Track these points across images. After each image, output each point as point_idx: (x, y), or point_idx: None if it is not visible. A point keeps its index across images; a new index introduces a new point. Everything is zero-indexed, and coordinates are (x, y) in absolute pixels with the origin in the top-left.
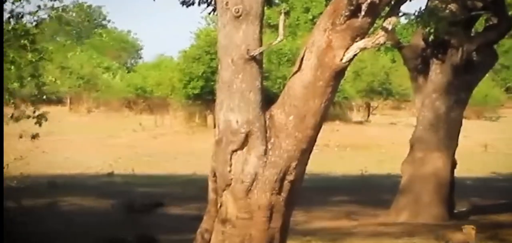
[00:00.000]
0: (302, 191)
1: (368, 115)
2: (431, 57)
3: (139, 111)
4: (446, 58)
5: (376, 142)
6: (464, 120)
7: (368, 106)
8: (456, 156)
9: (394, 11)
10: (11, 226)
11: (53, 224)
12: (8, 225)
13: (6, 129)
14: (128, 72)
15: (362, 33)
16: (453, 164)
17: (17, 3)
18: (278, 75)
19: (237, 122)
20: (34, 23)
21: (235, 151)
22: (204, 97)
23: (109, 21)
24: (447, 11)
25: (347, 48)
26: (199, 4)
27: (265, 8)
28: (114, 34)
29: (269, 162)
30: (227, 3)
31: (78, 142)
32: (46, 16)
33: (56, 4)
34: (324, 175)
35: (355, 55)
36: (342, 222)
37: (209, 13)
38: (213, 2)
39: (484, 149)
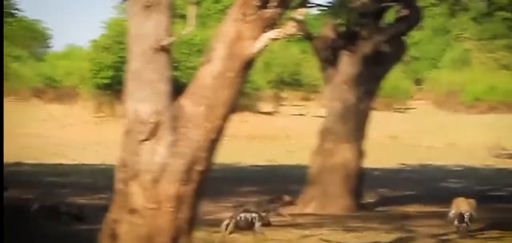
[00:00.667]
0: (211, 181)
1: (278, 106)
2: (341, 48)
3: (48, 101)
4: (356, 49)
5: (286, 132)
6: (373, 112)
7: (277, 97)
8: (365, 147)
9: (305, 2)
10: None
11: None
12: None
13: None
14: (38, 61)
15: (272, 24)
16: (362, 155)
17: None
18: (188, 65)
19: (146, 112)
20: None
21: (144, 141)
22: (114, 87)
23: (18, 10)
24: (358, 2)
25: (257, 39)
26: None
27: None
28: (24, 23)
29: (178, 152)
30: None
31: None
32: None
33: None
34: (233, 166)
35: (265, 46)
36: None
37: (120, 2)
38: None
39: (393, 140)
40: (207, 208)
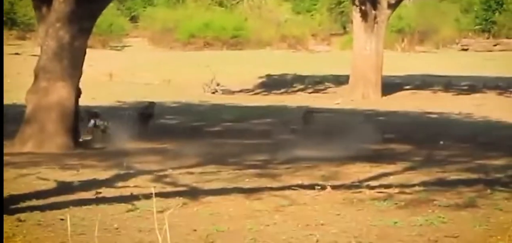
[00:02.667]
0: None
1: None
2: None
3: None
4: None
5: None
6: (89, 50)
7: None
8: (81, 85)
9: None
10: None
11: None
12: None
13: None
14: None
15: None
16: (78, 93)
17: None
18: None
19: None
20: None
21: None
22: None
23: None
24: None
25: None
26: None
27: None
28: None
29: None
30: None
31: None
32: None
33: None
34: None
35: None
36: None
37: None
38: None
39: (109, 78)
40: None
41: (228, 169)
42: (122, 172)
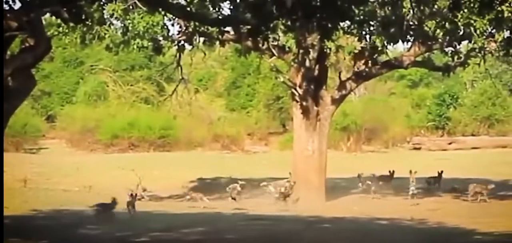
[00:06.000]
0: None
1: None
2: None
3: None
4: None
5: None
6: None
7: None
8: None
9: None
10: None
11: None
12: None
13: None
14: None
15: None
16: None
17: None
18: None
19: None
20: None
21: None
22: None
23: None
24: None
25: None
26: None
27: None
28: None
29: None
30: None
31: None
32: None
33: None
34: None
35: None
36: None
37: None
38: None
39: (23, 184)
40: None
41: None
42: None
